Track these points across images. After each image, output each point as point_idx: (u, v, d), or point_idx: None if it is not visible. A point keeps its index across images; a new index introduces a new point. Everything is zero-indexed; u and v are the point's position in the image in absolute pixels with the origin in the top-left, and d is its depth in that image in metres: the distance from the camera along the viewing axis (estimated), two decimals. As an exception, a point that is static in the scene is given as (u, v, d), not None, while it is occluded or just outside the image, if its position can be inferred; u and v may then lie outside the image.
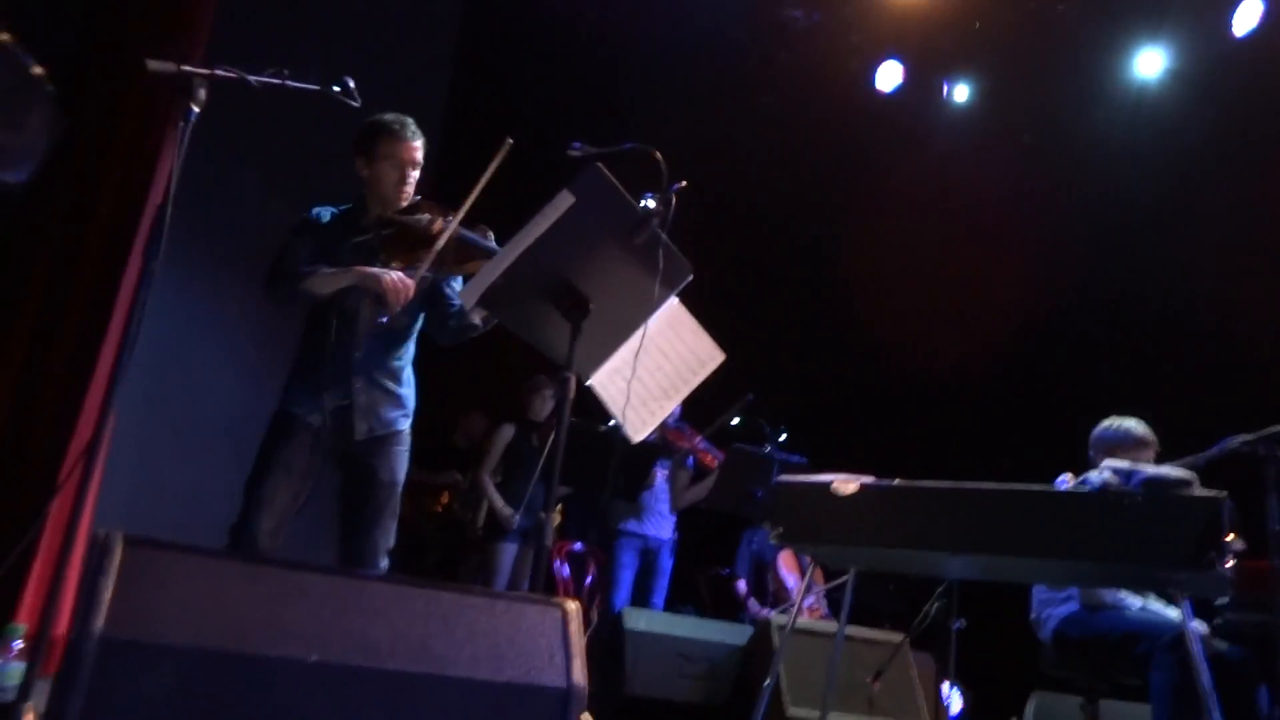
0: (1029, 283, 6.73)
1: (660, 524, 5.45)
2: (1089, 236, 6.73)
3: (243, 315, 4.65)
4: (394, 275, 2.88)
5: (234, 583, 1.68)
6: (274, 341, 4.63)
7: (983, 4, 6.53)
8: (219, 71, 2.49)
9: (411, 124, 3.11)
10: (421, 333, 3.24)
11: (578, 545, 5.82)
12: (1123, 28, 6.39)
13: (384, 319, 2.90)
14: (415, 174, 3.11)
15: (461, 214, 2.89)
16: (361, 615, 1.73)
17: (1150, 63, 6.42)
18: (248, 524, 2.91)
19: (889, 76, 7.01)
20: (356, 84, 2.80)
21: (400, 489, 3.15)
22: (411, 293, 2.89)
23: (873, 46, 6.94)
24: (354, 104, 2.82)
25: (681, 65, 6.95)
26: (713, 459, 5.29)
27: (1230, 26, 6.02)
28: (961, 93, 7.11)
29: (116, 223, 3.30)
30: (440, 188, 3.25)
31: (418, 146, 3.11)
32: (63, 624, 2.50)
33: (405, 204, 3.06)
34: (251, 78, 2.58)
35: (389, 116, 3.09)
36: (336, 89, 2.77)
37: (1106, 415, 4.00)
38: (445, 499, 6.32)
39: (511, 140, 2.87)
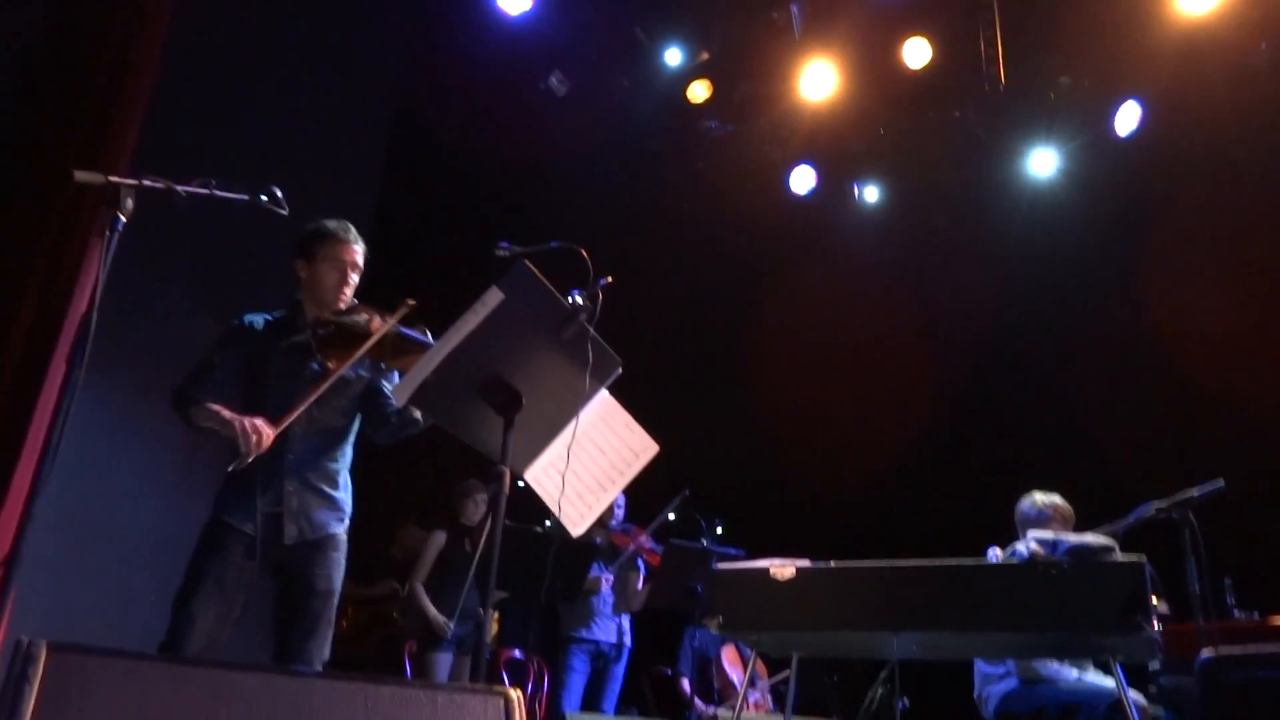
0: (939, 368, 7.00)
1: (609, 628, 5.39)
2: (991, 325, 7.04)
3: (164, 430, 4.54)
4: (249, 422, 2.80)
5: (165, 686, 1.62)
6: (195, 457, 4.53)
7: (886, 112, 6.94)
8: (146, 182, 2.49)
9: (353, 229, 3.14)
10: (362, 437, 3.21)
11: (516, 653, 5.68)
12: (1016, 131, 6.81)
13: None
14: (355, 277, 3.12)
15: (400, 314, 2.91)
16: (299, 714, 1.68)
17: (1043, 162, 6.84)
18: (176, 643, 2.79)
19: (803, 180, 7.33)
20: (284, 192, 2.83)
21: (337, 598, 3.06)
22: (266, 442, 2.80)
23: (786, 153, 7.27)
24: (282, 212, 2.83)
25: (605, 173, 7.19)
26: (660, 557, 5.28)
27: (1113, 127, 6.48)
28: (871, 193, 7.48)
29: (36, 333, 3.25)
30: (367, 293, 3.26)
31: (359, 250, 3.13)
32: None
33: (343, 306, 3.07)
34: (179, 188, 2.58)
35: (332, 221, 3.12)
36: (264, 198, 2.77)
37: (1016, 492, 4.14)
38: (380, 613, 6.15)
39: (413, 302, 2.93)
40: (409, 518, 6.43)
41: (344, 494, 3.12)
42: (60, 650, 1.59)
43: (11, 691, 1.50)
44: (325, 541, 3.02)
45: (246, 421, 2.81)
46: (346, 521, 3.11)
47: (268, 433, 2.81)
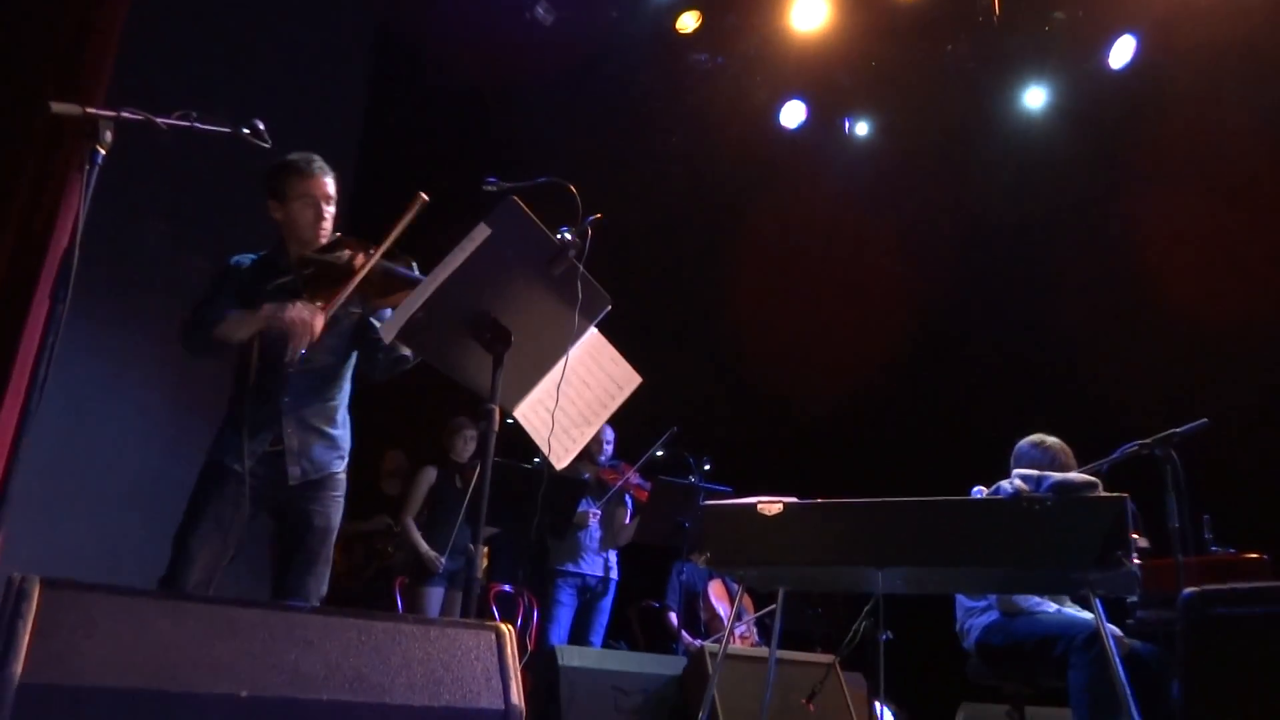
0: (928, 304, 7.01)
1: (595, 562, 5.47)
2: (980, 261, 7.03)
3: (150, 366, 4.52)
4: (299, 310, 2.80)
5: (160, 621, 1.63)
6: (182, 393, 4.52)
7: (878, 45, 6.82)
8: (125, 113, 2.42)
9: (319, 160, 3.06)
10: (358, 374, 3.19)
11: (506, 587, 5.76)
12: (1009, 66, 6.73)
13: (293, 357, 2.80)
14: (331, 209, 3.06)
15: (385, 247, 2.84)
16: (293, 648, 1.70)
17: (1035, 97, 6.77)
18: (176, 578, 2.82)
19: (793, 114, 7.25)
20: (267, 125, 2.77)
21: (334, 535, 3.09)
22: (318, 328, 2.80)
23: (776, 87, 7.17)
24: (265, 145, 2.76)
25: (593, 108, 7.08)
26: (648, 494, 5.34)
27: (1107, 61, 6.40)
28: (862, 128, 7.41)
29: (17, 270, 3.20)
30: (355, 228, 3.21)
31: (329, 182, 3.05)
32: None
33: (324, 241, 3.00)
34: (159, 119, 2.52)
35: (295, 155, 3.03)
36: (246, 131, 2.70)
37: (1007, 429, 4.16)
38: (376, 547, 6.21)
39: (425, 196, 2.83)
40: (388, 447, 6.47)
41: (343, 431, 3.12)
42: (54, 586, 1.60)
43: (5, 629, 1.50)
44: (326, 481, 3.04)
45: (291, 313, 2.80)
46: (346, 459, 3.12)
47: (315, 318, 2.80)
